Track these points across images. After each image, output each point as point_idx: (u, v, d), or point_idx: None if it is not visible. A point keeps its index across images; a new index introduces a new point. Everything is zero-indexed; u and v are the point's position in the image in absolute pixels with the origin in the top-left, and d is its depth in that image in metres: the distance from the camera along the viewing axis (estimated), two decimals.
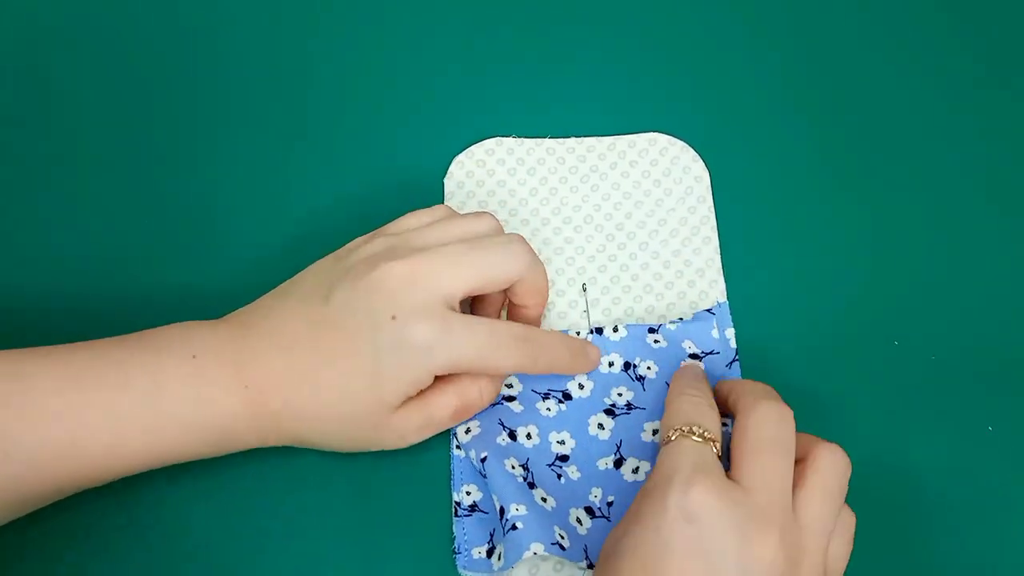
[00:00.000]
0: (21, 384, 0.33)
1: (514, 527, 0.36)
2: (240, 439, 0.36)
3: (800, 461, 0.34)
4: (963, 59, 0.49)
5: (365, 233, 0.41)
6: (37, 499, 0.35)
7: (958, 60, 0.49)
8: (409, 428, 0.37)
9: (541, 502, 0.38)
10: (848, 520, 0.35)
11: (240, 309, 0.38)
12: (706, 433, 0.35)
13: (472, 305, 0.41)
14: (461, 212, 0.45)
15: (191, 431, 0.35)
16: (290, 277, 0.39)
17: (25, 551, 0.38)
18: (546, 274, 0.39)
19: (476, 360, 0.36)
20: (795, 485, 0.34)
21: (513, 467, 0.38)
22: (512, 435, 0.40)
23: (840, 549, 0.34)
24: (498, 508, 0.37)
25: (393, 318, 0.35)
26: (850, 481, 0.40)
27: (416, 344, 0.35)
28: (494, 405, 0.40)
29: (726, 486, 0.32)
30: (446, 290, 0.36)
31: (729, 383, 0.38)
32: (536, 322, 0.41)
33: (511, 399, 0.40)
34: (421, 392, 0.36)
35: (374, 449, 0.38)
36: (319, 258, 0.39)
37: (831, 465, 0.34)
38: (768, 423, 0.34)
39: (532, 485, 0.38)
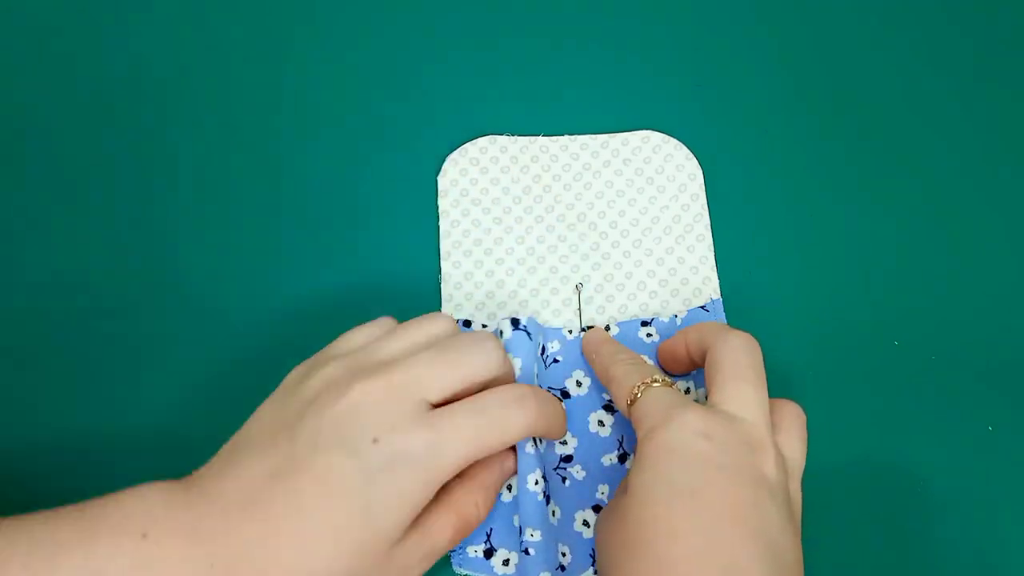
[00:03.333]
0: None
1: (526, 551, 0.36)
2: None
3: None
4: (961, 57, 0.49)
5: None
6: None
7: (956, 58, 0.49)
8: (412, 563, 0.33)
9: (551, 516, 0.37)
10: (798, 416, 0.35)
11: (201, 468, 0.33)
12: (665, 379, 0.35)
13: None
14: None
15: None
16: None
17: None
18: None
19: (475, 444, 0.32)
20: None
21: (537, 482, 0.37)
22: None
23: (796, 449, 0.34)
24: (518, 526, 0.37)
25: (375, 441, 0.31)
26: (849, 481, 0.40)
27: (411, 458, 0.31)
28: None
29: (718, 413, 0.33)
30: (427, 396, 0.33)
31: (681, 333, 0.38)
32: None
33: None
34: (416, 522, 0.33)
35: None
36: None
37: (793, 409, 0.35)
38: (741, 351, 0.34)
39: (549, 498, 0.38)
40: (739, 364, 0.34)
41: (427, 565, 0.34)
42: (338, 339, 0.36)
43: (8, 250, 0.44)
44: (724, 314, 0.42)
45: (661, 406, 0.34)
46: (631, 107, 0.47)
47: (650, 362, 0.39)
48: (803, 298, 0.43)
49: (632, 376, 0.36)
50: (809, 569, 0.38)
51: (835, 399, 0.41)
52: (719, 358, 0.35)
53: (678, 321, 0.42)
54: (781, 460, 0.33)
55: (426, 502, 0.32)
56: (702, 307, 0.42)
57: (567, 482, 0.39)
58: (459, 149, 0.46)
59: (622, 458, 0.39)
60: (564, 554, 0.37)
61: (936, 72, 0.49)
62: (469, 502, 0.35)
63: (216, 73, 0.49)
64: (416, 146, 0.46)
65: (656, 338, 0.41)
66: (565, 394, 0.41)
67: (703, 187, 0.45)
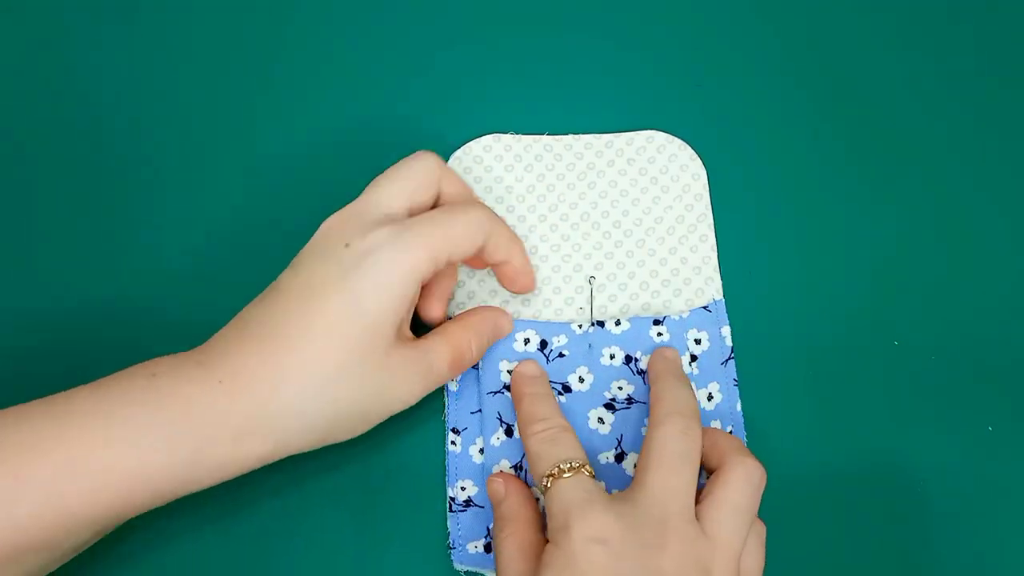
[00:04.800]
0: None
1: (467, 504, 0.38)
2: (221, 447, 0.33)
3: (715, 472, 0.34)
4: (964, 56, 0.49)
5: None
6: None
7: (958, 57, 0.49)
8: (410, 376, 0.36)
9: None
10: (759, 531, 0.34)
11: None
12: (573, 463, 0.34)
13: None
14: None
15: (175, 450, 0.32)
16: (274, 277, 0.38)
17: None
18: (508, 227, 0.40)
19: (439, 234, 0.36)
20: (704, 497, 0.33)
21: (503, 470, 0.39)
22: (509, 431, 0.39)
23: (752, 563, 0.33)
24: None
25: (347, 246, 0.35)
26: (849, 481, 0.40)
27: (382, 249, 0.34)
28: (494, 394, 0.40)
29: (620, 506, 0.32)
30: (390, 213, 0.36)
31: (655, 378, 0.38)
32: (525, 273, 0.41)
33: (510, 388, 0.40)
34: (415, 341, 0.36)
35: (381, 412, 0.36)
36: (313, 251, 0.39)
37: (742, 478, 0.33)
38: (670, 437, 0.34)
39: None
40: (665, 452, 0.33)
41: (426, 384, 0.37)
42: None
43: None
44: (726, 314, 0.42)
45: (564, 505, 0.33)
46: (636, 106, 0.47)
47: (567, 432, 0.36)
48: (804, 298, 0.44)
49: (542, 460, 0.35)
50: (809, 569, 0.39)
51: (835, 399, 0.42)
52: (650, 442, 0.34)
53: (675, 318, 0.42)
54: (698, 552, 0.31)
55: (410, 296, 0.35)
56: (704, 307, 0.42)
57: None
58: (463, 147, 0.46)
59: (619, 457, 0.39)
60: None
61: (938, 71, 0.49)
62: (463, 338, 0.38)
63: (216, 72, 0.48)
64: (420, 144, 0.46)
65: (667, 337, 0.41)
66: (566, 388, 0.41)
67: (707, 187, 0.45)
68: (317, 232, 0.37)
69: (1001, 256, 0.45)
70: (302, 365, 0.33)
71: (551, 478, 0.34)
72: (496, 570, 0.35)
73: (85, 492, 0.31)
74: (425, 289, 0.39)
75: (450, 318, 0.41)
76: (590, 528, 0.31)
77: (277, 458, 0.34)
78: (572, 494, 0.33)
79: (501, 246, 0.39)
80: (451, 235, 0.36)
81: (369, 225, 0.35)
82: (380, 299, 0.34)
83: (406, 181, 0.38)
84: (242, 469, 0.34)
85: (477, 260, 0.40)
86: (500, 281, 0.42)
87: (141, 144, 0.47)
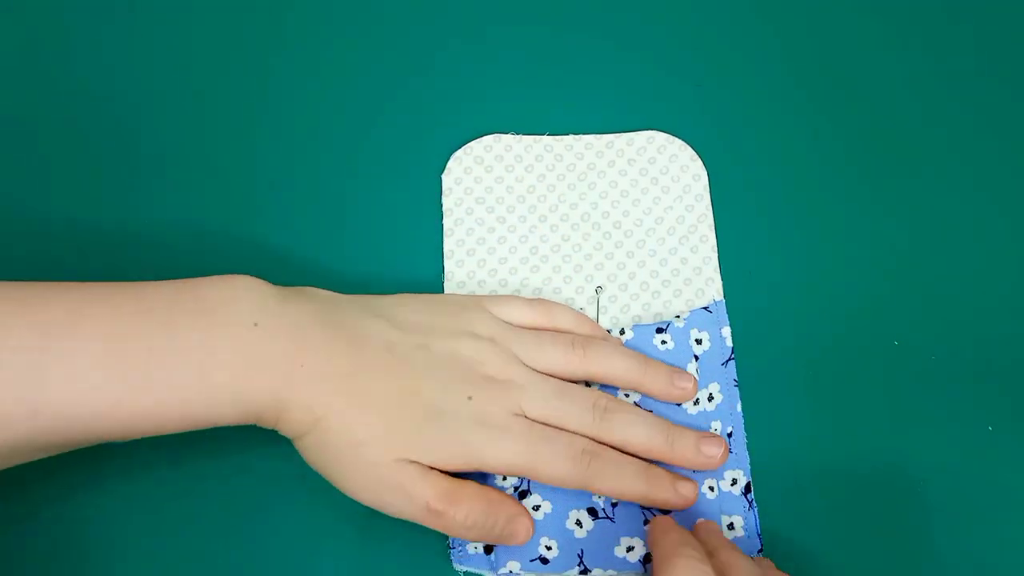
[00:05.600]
0: (62, 341, 0.32)
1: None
2: (269, 411, 0.35)
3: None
4: (964, 56, 0.49)
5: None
6: (55, 449, 0.34)
7: (959, 58, 0.49)
8: (395, 484, 0.35)
9: (533, 511, 0.38)
10: None
11: (315, 288, 0.38)
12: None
13: None
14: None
15: (235, 404, 0.34)
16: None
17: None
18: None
19: (518, 460, 0.36)
20: None
21: (504, 478, 0.39)
22: None
23: None
24: None
25: (469, 399, 0.36)
26: (849, 481, 0.40)
27: (478, 428, 0.35)
28: None
29: None
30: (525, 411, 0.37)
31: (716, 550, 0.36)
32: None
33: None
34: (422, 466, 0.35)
35: (384, 495, 0.35)
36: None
37: None
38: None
39: (525, 493, 0.38)
40: None
41: (405, 508, 0.35)
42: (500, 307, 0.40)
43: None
44: (727, 315, 0.42)
45: None
46: (636, 107, 0.47)
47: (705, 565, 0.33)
48: (804, 298, 0.44)
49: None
50: (809, 569, 0.39)
51: (835, 399, 0.42)
52: None
53: (680, 323, 0.42)
54: None
55: (445, 465, 0.35)
56: (705, 308, 0.42)
57: None
58: (463, 147, 0.46)
59: None
60: (549, 548, 0.37)
61: (938, 71, 0.49)
62: (464, 500, 0.35)
63: (215, 73, 0.48)
64: (420, 144, 0.46)
65: (671, 346, 0.41)
66: None
67: (707, 188, 0.45)
68: (469, 346, 0.37)
69: (1001, 256, 0.45)
70: (355, 407, 0.35)
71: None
72: None
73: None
74: None
75: None
76: None
77: (279, 409, 0.35)
78: None
79: None
80: (537, 462, 0.36)
81: (491, 410, 0.36)
82: (429, 450, 0.35)
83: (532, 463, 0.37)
84: (249, 404, 0.34)
85: None
86: None
87: (141, 146, 0.47)
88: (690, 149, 0.46)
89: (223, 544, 0.38)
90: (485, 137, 0.46)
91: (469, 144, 0.46)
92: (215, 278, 0.36)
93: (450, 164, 0.46)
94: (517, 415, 0.36)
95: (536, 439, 0.36)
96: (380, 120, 0.47)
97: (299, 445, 0.36)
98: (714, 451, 0.38)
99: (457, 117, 0.47)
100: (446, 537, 0.38)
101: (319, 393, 0.34)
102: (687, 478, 0.38)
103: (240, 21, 0.50)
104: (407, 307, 0.38)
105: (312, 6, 0.50)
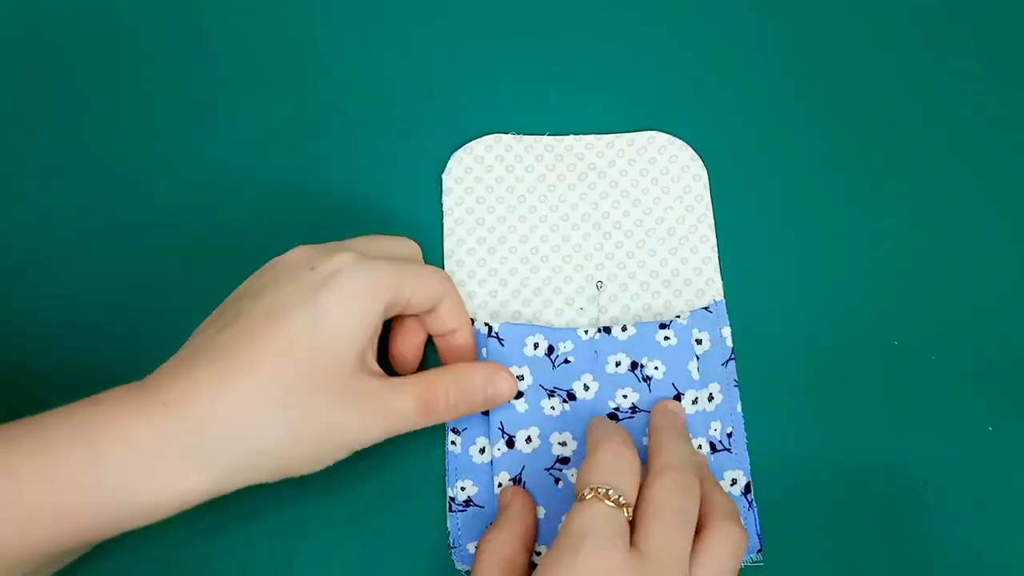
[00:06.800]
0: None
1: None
2: (158, 480, 0.31)
3: (699, 531, 0.33)
4: (964, 56, 0.49)
5: (367, 228, 0.42)
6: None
7: (959, 58, 0.49)
8: (367, 411, 0.34)
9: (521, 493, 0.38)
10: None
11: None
12: (621, 498, 0.32)
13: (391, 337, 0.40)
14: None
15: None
16: (229, 298, 0.38)
17: None
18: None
19: (407, 277, 0.36)
20: (692, 560, 0.33)
21: (500, 484, 0.39)
22: (510, 442, 0.39)
23: None
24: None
25: (312, 268, 0.35)
26: (849, 481, 0.40)
27: (345, 271, 0.34)
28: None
29: (630, 557, 0.31)
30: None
31: (657, 429, 0.37)
32: (470, 347, 0.40)
33: (519, 395, 0.40)
34: (383, 377, 0.35)
35: (338, 445, 0.34)
36: (277, 276, 0.38)
37: (725, 542, 0.33)
38: (674, 493, 0.33)
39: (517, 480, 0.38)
40: (667, 508, 0.33)
41: (386, 425, 0.35)
42: None
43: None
44: (727, 315, 0.42)
45: (587, 526, 0.32)
46: (637, 107, 0.47)
47: (635, 465, 0.34)
48: (804, 298, 0.44)
49: (598, 472, 0.33)
50: (809, 569, 0.39)
51: (835, 399, 0.42)
52: (652, 494, 0.33)
53: (682, 321, 0.42)
54: None
55: (372, 320, 0.35)
56: (705, 308, 0.42)
57: (560, 483, 0.39)
58: (464, 147, 0.46)
59: None
60: (540, 553, 0.38)
61: (938, 71, 0.49)
62: (439, 384, 0.36)
63: (219, 71, 0.48)
64: (420, 143, 0.46)
65: (674, 341, 0.41)
66: (571, 396, 0.40)
67: (707, 188, 0.45)
68: (280, 259, 0.36)
69: (1001, 256, 0.45)
70: (254, 385, 0.32)
71: (594, 494, 0.33)
72: (471, 573, 0.35)
73: (16, 527, 0.30)
74: (393, 337, 0.40)
75: None
76: (599, 562, 0.31)
77: (226, 490, 0.33)
78: (601, 523, 0.32)
79: (455, 313, 0.39)
80: (414, 280, 0.37)
81: (334, 251, 0.36)
82: (341, 315, 0.34)
83: (385, 242, 0.40)
84: (184, 503, 0.32)
85: (429, 322, 0.39)
86: (442, 355, 0.41)
87: (141, 145, 0.47)
88: (690, 149, 0.46)
89: (222, 544, 0.39)
90: (486, 137, 0.46)
91: (470, 144, 0.46)
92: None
93: (451, 164, 0.46)
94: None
95: (400, 268, 0.37)
96: (380, 120, 0.47)
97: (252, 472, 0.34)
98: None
99: (457, 117, 0.47)
100: (446, 537, 0.38)
101: (205, 407, 0.32)
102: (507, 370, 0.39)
103: (240, 21, 0.50)
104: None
105: (312, 6, 0.50)
